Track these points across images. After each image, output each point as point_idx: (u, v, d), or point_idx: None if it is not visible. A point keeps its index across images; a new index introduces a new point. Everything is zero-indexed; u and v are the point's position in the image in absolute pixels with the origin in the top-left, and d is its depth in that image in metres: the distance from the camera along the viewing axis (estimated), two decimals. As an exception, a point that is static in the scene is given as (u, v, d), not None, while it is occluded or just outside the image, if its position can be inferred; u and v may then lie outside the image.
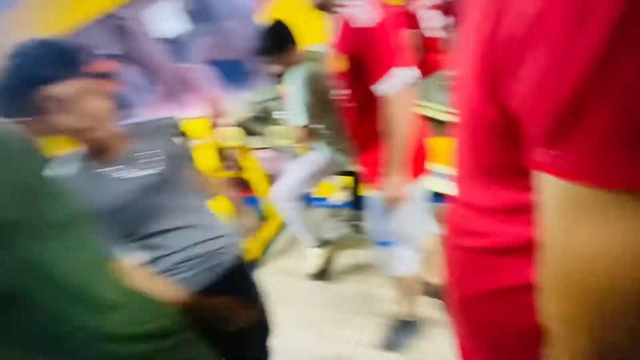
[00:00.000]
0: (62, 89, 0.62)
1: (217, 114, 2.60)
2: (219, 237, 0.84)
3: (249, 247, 2.18)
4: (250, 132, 2.06)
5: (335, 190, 2.41)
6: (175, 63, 2.58)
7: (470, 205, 0.42)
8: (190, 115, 2.19)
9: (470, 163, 0.41)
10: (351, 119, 1.13)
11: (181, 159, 0.86)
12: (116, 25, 2.58)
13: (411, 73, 0.94)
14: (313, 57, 1.50)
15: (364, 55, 0.92)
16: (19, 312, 0.37)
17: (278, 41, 1.49)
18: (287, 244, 2.30)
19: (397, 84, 0.92)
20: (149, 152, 0.79)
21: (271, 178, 2.62)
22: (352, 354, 1.38)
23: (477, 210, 0.40)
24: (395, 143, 0.97)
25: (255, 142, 2.24)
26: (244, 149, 2.22)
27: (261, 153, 2.47)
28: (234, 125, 1.98)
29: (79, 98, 0.64)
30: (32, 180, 0.40)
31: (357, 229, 1.93)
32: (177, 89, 2.69)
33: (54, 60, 0.62)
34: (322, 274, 1.86)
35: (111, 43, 2.69)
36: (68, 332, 0.41)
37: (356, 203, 1.92)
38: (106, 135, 0.72)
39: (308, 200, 2.63)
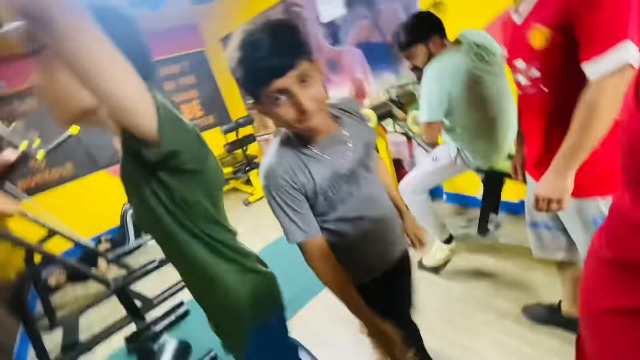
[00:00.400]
0: (287, 79, 0.59)
1: (359, 95, 2.76)
2: (395, 225, 0.85)
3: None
4: (386, 115, 2.12)
5: (473, 186, 2.26)
6: (330, 45, 2.83)
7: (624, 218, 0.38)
8: (336, 95, 2.40)
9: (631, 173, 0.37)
10: (534, 108, 0.93)
11: (372, 143, 0.81)
12: (290, 12, 3.01)
13: (635, 52, 0.70)
14: (464, 43, 1.37)
15: (577, 24, 0.73)
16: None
17: (416, 34, 1.39)
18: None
19: (614, 64, 0.71)
20: (349, 134, 0.75)
21: (397, 163, 2.65)
22: (451, 352, 1.35)
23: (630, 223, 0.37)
24: (587, 136, 0.76)
25: (389, 125, 2.30)
26: (378, 132, 2.31)
27: (392, 137, 2.51)
28: (371, 107, 2.08)
29: (299, 87, 0.60)
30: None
31: (483, 230, 1.78)
32: (329, 70, 2.96)
33: (284, 49, 0.58)
34: (437, 269, 1.83)
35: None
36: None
37: (490, 203, 1.76)
38: (321, 121, 0.67)
39: (439, 194, 2.56)
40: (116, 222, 3.53)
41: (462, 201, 2.45)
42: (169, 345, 1.01)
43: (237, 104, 4.46)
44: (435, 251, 1.84)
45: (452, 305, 1.60)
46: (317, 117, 0.64)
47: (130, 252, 2.75)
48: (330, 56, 2.87)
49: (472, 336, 1.40)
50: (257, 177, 3.78)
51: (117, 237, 3.41)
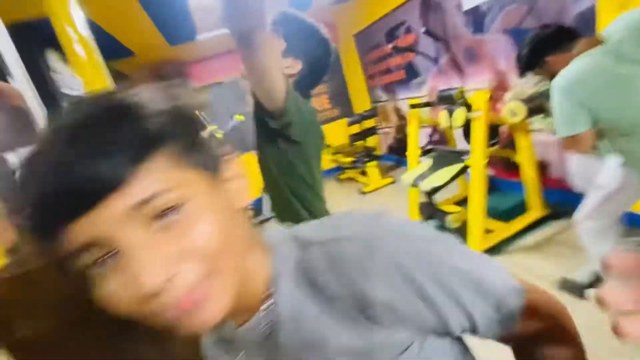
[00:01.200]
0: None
1: (501, 87, 2.50)
2: None
3: (495, 233, 2.13)
4: (537, 110, 1.87)
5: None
6: (473, 33, 2.64)
7: None
8: (475, 86, 2.25)
9: None
10: None
11: None
12: (425, 2, 2.93)
13: None
14: (608, 42, 1.14)
15: None
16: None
17: (527, 65, 1.38)
18: (538, 242, 2.05)
19: None
20: None
21: (541, 165, 2.30)
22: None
23: None
24: None
25: (536, 123, 2.02)
26: (523, 129, 2.06)
27: (539, 136, 2.20)
28: (518, 101, 1.86)
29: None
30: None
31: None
32: (466, 59, 2.78)
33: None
34: (573, 289, 1.56)
35: (418, 18, 3.10)
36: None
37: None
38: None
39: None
40: (257, 195, 4.22)
41: (632, 221, 1.96)
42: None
43: (361, 98, 4.64)
44: (585, 273, 1.57)
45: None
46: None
47: (266, 220, 3.36)
48: (469, 45, 2.68)
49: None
50: (373, 169, 3.88)
51: (256, 207, 4.09)
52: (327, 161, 4.68)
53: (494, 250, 2.03)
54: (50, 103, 0.58)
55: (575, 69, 1.18)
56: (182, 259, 0.25)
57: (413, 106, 2.57)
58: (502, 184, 2.75)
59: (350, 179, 4.46)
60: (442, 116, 2.19)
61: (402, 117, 4.03)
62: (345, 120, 4.18)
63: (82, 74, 0.58)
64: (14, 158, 0.75)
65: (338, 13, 4.26)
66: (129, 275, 0.23)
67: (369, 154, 3.98)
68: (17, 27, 0.85)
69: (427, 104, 2.48)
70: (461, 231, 2.11)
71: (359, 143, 4.11)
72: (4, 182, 0.65)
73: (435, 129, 3.42)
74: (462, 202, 2.54)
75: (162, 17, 2.41)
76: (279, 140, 0.82)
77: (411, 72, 3.49)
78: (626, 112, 1.16)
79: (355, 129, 4.06)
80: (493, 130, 2.10)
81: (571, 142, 1.25)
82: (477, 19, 2.54)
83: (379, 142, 4.76)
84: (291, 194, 0.87)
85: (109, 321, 0.29)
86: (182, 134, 0.27)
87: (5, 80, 0.51)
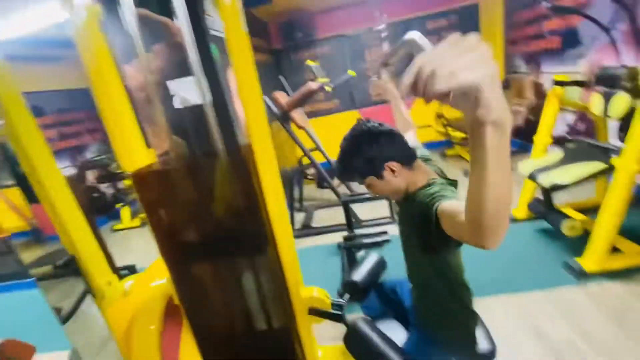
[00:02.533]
0: None
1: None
2: None
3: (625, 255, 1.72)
4: None
5: None
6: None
7: None
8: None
9: None
10: None
11: None
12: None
13: None
14: None
15: None
16: None
17: None
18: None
19: None
20: None
21: None
22: None
23: None
24: None
25: None
26: None
27: None
28: None
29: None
30: None
31: None
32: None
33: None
34: None
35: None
36: None
37: None
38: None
39: None
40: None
41: None
42: (371, 256, 1.26)
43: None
44: None
45: None
46: None
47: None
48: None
49: None
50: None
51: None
52: (436, 132, 4.36)
53: (616, 275, 1.66)
54: (202, 41, 0.72)
55: None
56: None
57: (558, 83, 2.11)
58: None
59: (458, 156, 4.09)
60: (595, 100, 1.75)
61: (541, 95, 3.36)
62: (468, 90, 3.72)
63: (224, 18, 0.69)
64: (172, 85, 0.95)
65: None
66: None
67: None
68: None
69: (578, 83, 2.00)
70: (578, 242, 1.77)
71: (478, 118, 3.65)
72: (167, 105, 0.84)
73: (583, 115, 2.77)
74: (589, 211, 2.08)
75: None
76: None
77: (570, 40, 2.80)
78: None
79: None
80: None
81: None
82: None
83: (503, 121, 4.14)
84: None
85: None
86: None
87: (171, 19, 0.65)
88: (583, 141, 2.05)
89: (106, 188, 4.25)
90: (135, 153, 1.02)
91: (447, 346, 0.87)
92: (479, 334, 0.92)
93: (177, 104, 0.96)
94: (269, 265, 0.89)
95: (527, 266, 1.85)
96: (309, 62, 2.46)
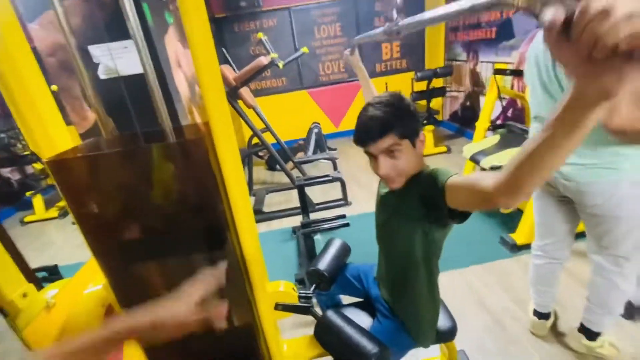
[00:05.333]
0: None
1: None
2: None
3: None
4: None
5: None
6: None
7: None
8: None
9: None
10: None
11: None
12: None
13: None
14: None
15: None
16: None
17: None
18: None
19: None
20: None
21: None
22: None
23: None
24: None
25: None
26: None
27: None
28: None
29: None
30: None
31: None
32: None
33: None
34: None
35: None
36: None
37: None
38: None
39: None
40: (302, 135, 4.22)
41: None
42: (335, 241, 1.22)
43: (436, 53, 4.19)
44: None
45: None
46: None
47: (307, 162, 3.33)
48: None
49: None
50: (428, 134, 3.63)
51: (296, 147, 4.11)
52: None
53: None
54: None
55: None
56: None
57: (498, 72, 2.26)
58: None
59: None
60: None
61: (477, 83, 3.61)
62: (413, 74, 3.83)
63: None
64: (96, 51, 0.77)
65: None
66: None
67: (430, 117, 3.71)
68: None
69: (515, 72, 2.17)
70: (513, 219, 1.96)
71: (422, 102, 3.81)
72: (90, 75, 0.67)
73: (514, 103, 3.05)
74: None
75: None
76: None
77: (504, 32, 3.02)
78: None
79: (422, 86, 3.73)
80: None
81: None
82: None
83: (442, 106, 4.40)
84: None
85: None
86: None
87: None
88: (516, 127, 2.25)
89: (9, 173, 3.57)
90: (49, 131, 0.82)
91: (415, 333, 0.88)
92: (441, 315, 0.95)
93: (102, 74, 0.77)
94: (230, 260, 0.79)
95: (469, 243, 2.01)
96: (260, 35, 2.27)
